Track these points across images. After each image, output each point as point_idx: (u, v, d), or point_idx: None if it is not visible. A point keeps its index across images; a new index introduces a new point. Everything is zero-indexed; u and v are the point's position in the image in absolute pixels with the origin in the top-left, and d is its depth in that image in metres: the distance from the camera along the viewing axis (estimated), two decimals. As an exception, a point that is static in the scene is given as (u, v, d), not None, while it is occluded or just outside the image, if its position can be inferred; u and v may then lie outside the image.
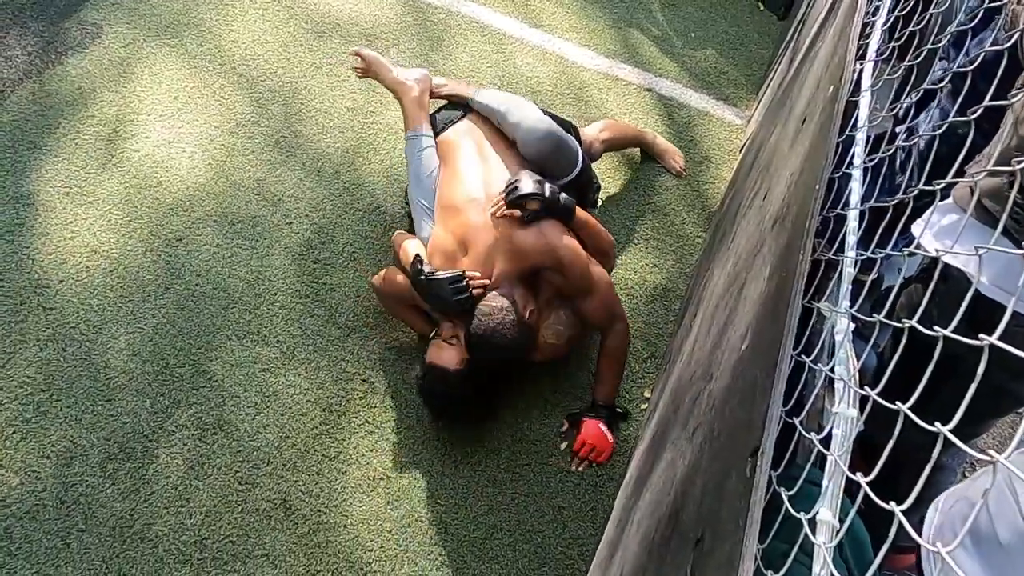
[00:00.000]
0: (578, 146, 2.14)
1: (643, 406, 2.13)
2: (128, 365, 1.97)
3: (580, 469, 1.99)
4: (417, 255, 1.92)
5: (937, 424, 0.62)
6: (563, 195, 1.92)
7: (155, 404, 1.92)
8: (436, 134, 2.11)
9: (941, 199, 0.90)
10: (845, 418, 0.79)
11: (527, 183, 1.87)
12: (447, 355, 1.90)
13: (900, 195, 0.92)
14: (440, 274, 1.86)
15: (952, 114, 0.92)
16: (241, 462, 1.88)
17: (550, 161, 2.03)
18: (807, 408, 0.84)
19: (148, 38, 2.64)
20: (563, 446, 2.03)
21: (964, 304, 0.72)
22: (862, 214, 0.96)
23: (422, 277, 1.87)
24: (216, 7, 2.78)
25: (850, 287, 0.85)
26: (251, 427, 1.93)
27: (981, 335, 0.62)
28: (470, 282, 1.86)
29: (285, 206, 2.33)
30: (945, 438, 0.60)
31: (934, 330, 0.70)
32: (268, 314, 2.12)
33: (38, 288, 2.05)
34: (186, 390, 1.96)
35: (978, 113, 0.86)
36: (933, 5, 1.18)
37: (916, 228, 1.06)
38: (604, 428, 2.00)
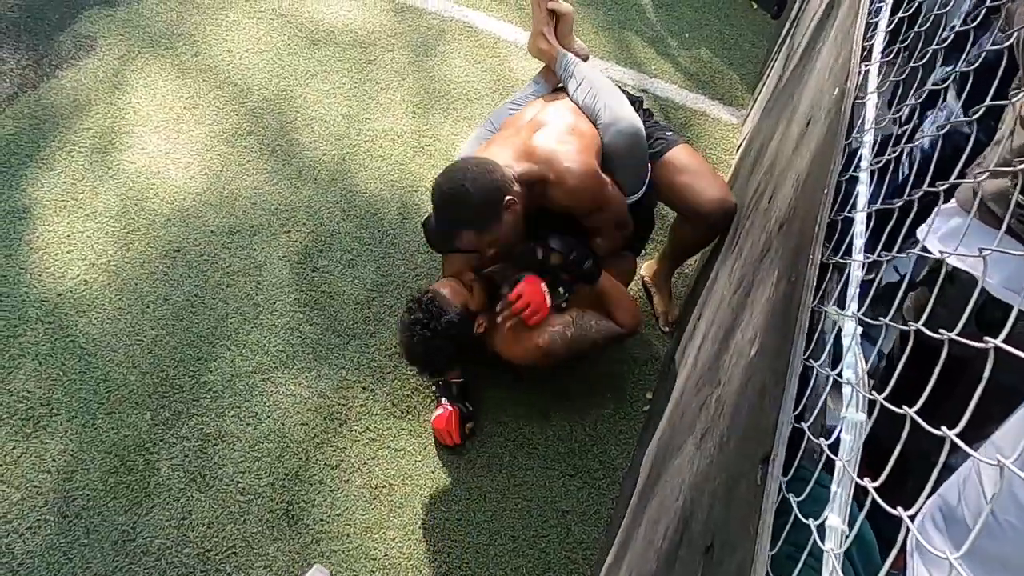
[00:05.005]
0: (649, 168, 2.00)
1: (644, 408, 2.12)
2: (128, 377, 1.96)
3: (506, 323, 1.89)
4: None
5: (943, 428, 0.61)
6: (588, 262, 1.87)
7: (155, 416, 1.91)
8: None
9: (944, 201, 0.90)
10: (853, 423, 0.78)
11: (555, 241, 1.85)
12: (455, 293, 1.91)
13: (905, 197, 0.91)
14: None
15: (955, 115, 0.92)
16: (243, 473, 1.87)
17: (623, 159, 1.92)
18: (816, 412, 0.83)
19: (142, 49, 2.63)
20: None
21: (970, 306, 0.72)
22: (868, 217, 0.96)
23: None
24: (209, 17, 2.77)
25: (858, 290, 0.85)
26: (252, 437, 1.92)
27: (986, 337, 0.62)
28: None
29: (282, 215, 2.32)
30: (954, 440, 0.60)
31: (940, 333, 0.70)
32: (267, 323, 2.11)
33: (36, 302, 2.04)
34: (186, 401, 1.95)
35: (979, 113, 0.85)
36: (937, 6, 1.18)
37: (921, 232, 1.06)
38: (545, 288, 1.90)
